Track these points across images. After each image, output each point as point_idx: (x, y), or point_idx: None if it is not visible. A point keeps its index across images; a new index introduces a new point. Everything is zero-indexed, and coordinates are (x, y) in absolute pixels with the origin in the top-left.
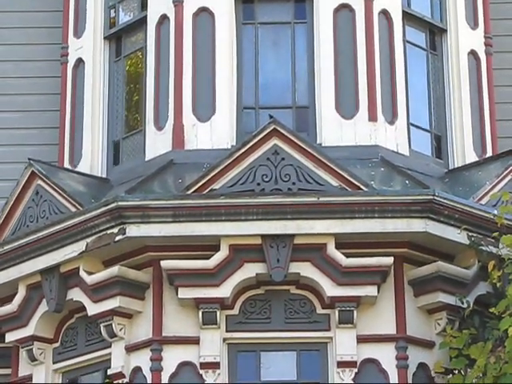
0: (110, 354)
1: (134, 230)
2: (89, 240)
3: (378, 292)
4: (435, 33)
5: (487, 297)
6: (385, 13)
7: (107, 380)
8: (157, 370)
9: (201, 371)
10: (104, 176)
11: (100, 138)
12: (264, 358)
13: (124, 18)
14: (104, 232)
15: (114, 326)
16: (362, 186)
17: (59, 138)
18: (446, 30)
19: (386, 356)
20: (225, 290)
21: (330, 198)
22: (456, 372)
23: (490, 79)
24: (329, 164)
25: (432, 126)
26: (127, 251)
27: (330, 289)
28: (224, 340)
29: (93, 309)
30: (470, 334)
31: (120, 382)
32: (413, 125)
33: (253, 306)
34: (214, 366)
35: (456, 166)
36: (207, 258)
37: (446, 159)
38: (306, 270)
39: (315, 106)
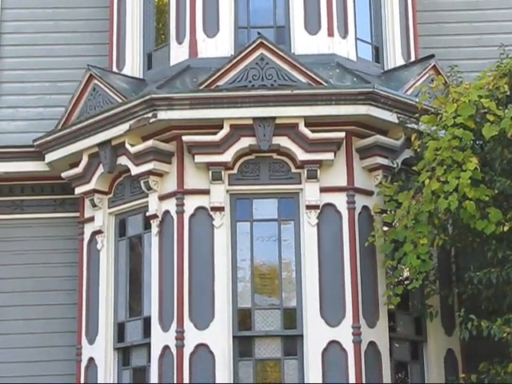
0: (147, 201)
1: (163, 115)
2: (131, 122)
3: (335, 157)
4: None
5: (410, 159)
6: None
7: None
8: (180, 212)
9: (211, 212)
10: (141, 77)
11: (138, 50)
12: (255, 203)
13: None
14: (142, 116)
15: (150, 181)
16: (323, 82)
17: (109, 50)
18: None
19: (339, 201)
20: (227, 156)
21: (301, 90)
22: (388, 212)
23: (414, 6)
24: (300, 67)
25: (372, 40)
26: (158, 130)
27: (301, 155)
28: (227, 191)
29: (135, 170)
30: (398, 185)
31: (154, 220)
32: (359, 39)
33: (247, 167)
34: (220, 209)
35: (389, 68)
36: (214, 133)
37: (382, 63)
38: (284, 141)
39: (290, 26)
